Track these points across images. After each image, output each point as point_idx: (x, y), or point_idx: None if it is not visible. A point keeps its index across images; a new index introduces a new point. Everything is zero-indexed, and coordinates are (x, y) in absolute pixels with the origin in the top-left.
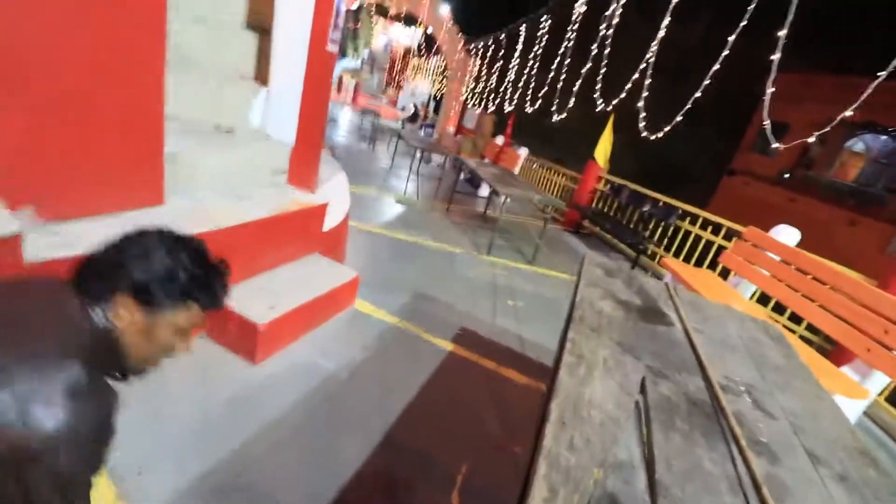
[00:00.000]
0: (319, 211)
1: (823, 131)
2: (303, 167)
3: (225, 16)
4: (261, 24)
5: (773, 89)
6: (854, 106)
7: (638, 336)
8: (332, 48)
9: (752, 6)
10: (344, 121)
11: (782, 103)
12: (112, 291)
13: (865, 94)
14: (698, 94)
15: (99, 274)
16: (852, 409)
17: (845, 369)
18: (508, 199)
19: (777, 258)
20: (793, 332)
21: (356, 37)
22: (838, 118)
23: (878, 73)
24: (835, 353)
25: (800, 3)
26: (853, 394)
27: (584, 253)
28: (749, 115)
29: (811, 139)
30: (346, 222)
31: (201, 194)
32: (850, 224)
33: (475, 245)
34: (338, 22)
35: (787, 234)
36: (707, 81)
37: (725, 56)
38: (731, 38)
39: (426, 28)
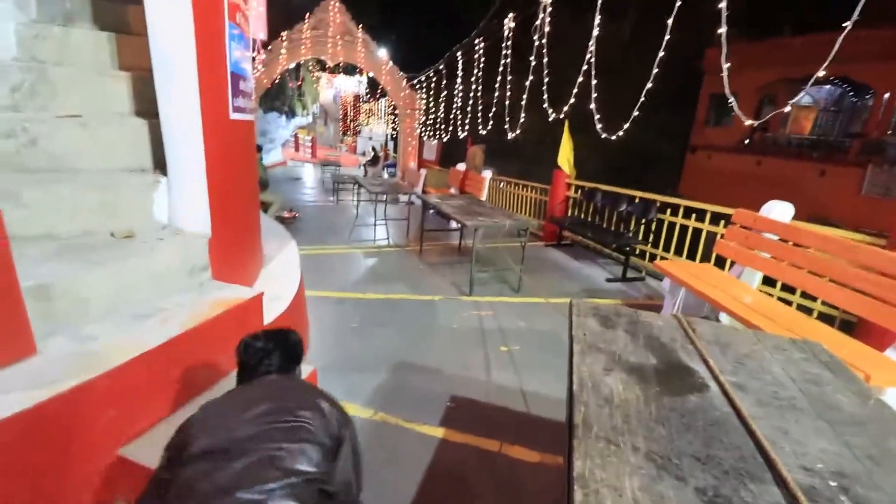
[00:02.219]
0: (253, 304)
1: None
2: (228, 257)
3: (104, 107)
4: (148, 107)
5: (728, 64)
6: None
7: (670, 429)
8: (241, 115)
9: None
10: (307, 177)
11: (729, 73)
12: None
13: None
14: (650, 85)
15: (291, 361)
16: None
17: (890, 352)
18: (479, 231)
19: (775, 238)
20: (810, 311)
21: (302, 94)
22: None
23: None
24: (861, 328)
25: None
26: None
27: (572, 269)
28: (695, 92)
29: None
30: (300, 301)
31: (91, 328)
32: (821, 175)
33: (455, 286)
34: (241, 87)
35: (780, 210)
36: (655, 69)
37: (662, 41)
38: (670, 22)
39: (368, 74)
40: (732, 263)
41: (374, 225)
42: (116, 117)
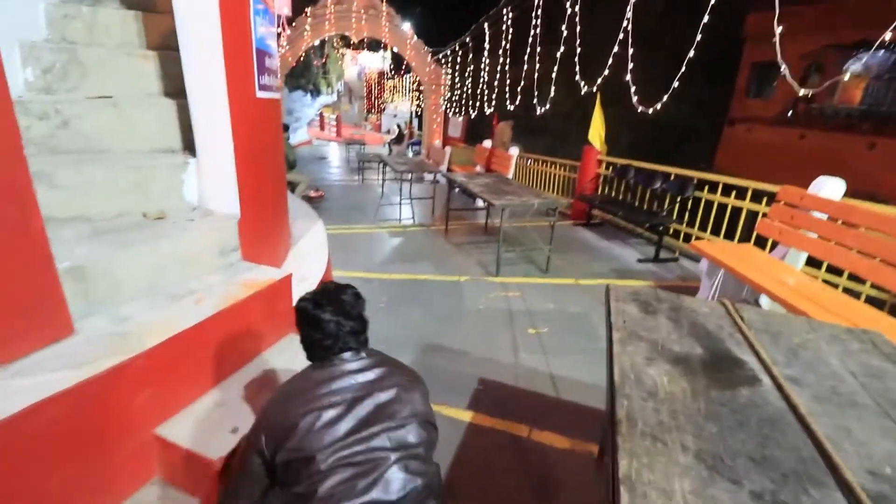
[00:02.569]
0: (282, 285)
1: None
2: (257, 238)
3: (133, 87)
4: (177, 87)
5: (780, 28)
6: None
7: (721, 426)
8: (268, 94)
9: None
10: (333, 156)
11: (769, 42)
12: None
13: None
14: (692, 54)
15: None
16: None
17: None
18: (506, 211)
19: (824, 217)
20: (858, 294)
21: (326, 71)
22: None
23: None
24: None
25: None
26: None
27: (602, 249)
28: (734, 61)
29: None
30: (328, 280)
31: (126, 308)
32: (870, 147)
33: (482, 266)
34: (267, 64)
35: (831, 187)
36: (698, 36)
37: (704, 7)
38: None
39: (392, 49)
40: (775, 244)
41: (400, 204)
42: (146, 98)
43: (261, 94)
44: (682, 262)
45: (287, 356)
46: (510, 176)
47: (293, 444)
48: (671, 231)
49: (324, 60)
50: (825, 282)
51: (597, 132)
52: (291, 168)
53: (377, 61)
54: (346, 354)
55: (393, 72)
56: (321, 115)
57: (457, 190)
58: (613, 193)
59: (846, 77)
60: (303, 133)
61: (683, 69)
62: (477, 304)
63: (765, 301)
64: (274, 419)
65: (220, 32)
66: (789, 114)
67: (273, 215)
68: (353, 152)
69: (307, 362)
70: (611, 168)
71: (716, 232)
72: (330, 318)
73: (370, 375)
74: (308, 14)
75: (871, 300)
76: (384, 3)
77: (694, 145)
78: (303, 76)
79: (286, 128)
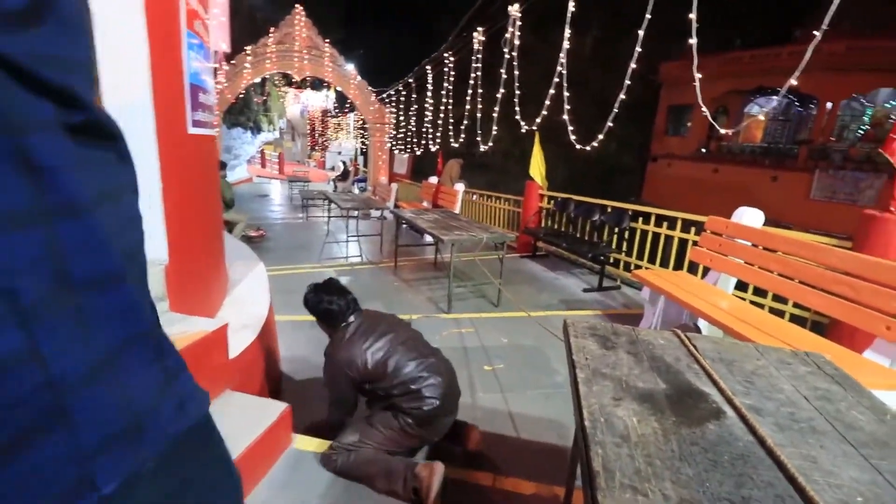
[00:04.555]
0: (217, 337)
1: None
2: (188, 286)
3: None
4: None
5: (699, 75)
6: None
7: (697, 468)
8: (202, 130)
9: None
10: (275, 193)
11: (682, 87)
12: None
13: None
14: (622, 97)
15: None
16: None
17: (869, 354)
18: (455, 245)
19: (748, 243)
20: (782, 314)
21: (267, 109)
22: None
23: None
24: (832, 330)
25: None
26: (892, 384)
27: (549, 280)
28: (654, 103)
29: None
30: (270, 328)
31: None
32: (773, 180)
33: (433, 303)
34: (201, 100)
35: (750, 217)
36: (628, 83)
37: (623, 54)
38: (641, 33)
39: (335, 88)
40: (707, 270)
41: (346, 241)
42: None
43: (193, 131)
44: (624, 290)
45: (226, 418)
46: (457, 211)
47: (372, 370)
48: (612, 260)
49: (264, 98)
50: (753, 303)
51: (537, 168)
52: (229, 207)
53: (320, 100)
54: (352, 316)
55: (337, 110)
56: (262, 153)
57: (405, 226)
58: (556, 226)
59: (745, 122)
60: (242, 171)
61: (610, 110)
62: (431, 342)
63: (703, 324)
64: (350, 361)
65: (148, 66)
66: (703, 150)
67: (206, 260)
68: (297, 190)
69: (240, 428)
70: (552, 202)
71: (652, 260)
72: (334, 301)
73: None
74: (248, 52)
75: (794, 318)
76: (327, 44)
77: (623, 180)
78: (242, 113)
79: (223, 165)
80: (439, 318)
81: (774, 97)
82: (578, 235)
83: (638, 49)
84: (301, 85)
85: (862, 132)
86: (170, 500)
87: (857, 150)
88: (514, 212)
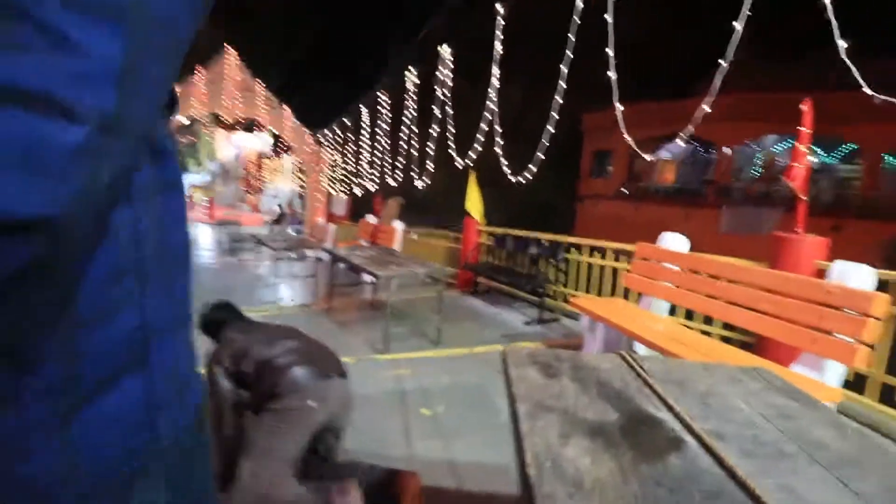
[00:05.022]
0: None
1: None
2: None
3: None
4: None
5: (620, 122)
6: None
7: None
8: None
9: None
10: (204, 238)
11: (603, 134)
12: None
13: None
14: (546, 143)
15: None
16: None
17: (797, 368)
18: (392, 282)
19: (676, 268)
20: (709, 333)
21: (195, 151)
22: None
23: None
24: (758, 347)
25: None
26: (826, 396)
27: (490, 315)
28: (578, 148)
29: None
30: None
31: None
32: (686, 218)
33: (369, 344)
34: None
35: (676, 242)
36: (551, 129)
37: (551, 104)
38: (562, 84)
39: (264, 129)
40: (640, 295)
41: (277, 284)
42: None
43: None
44: (563, 322)
45: None
46: (396, 248)
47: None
48: (551, 293)
49: (192, 139)
50: (684, 325)
51: (474, 205)
52: None
53: (255, 141)
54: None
55: (272, 152)
56: (190, 197)
57: (342, 266)
58: (496, 261)
59: (648, 159)
60: None
61: (538, 155)
62: (364, 388)
63: (640, 349)
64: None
65: None
66: (625, 191)
67: None
68: (225, 234)
69: None
70: (491, 237)
71: (588, 290)
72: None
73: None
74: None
75: (722, 339)
76: (261, 86)
77: (557, 220)
78: None
79: None
80: (375, 361)
81: (679, 142)
82: (517, 269)
83: (558, 98)
84: (232, 127)
85: (756, 173)
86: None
87: (753, 189)
88: (454, 248)
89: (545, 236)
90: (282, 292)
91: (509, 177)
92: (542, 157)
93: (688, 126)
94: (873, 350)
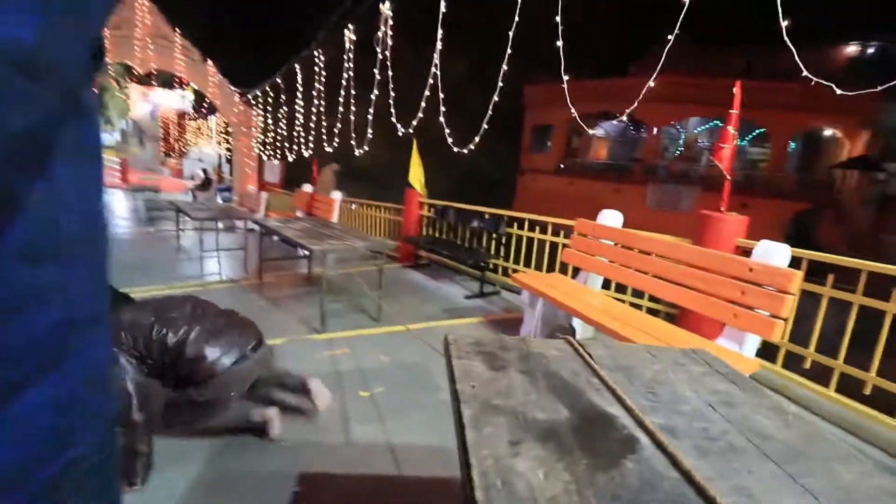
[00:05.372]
0: None
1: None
2: None
3: None
4: None
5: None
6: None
7: None
8: None
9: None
10: (118, 205)
11: (543, 109)
12: None
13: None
14: (490, 114)
15: None
16: None
17: (721, 341)
18: (329, 257)
19: (611, 243)
20: (639, 306)
21: (104, 107)
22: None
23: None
24: (681, 318)
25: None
26: (747, 367)
27: (431, 289)
28: (520, 121)
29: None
30: None
31: None
32: (617, 192)
33: (305, 323)
34: None
35: (612, 218)
36: (495, 98)
37: (495, 75)
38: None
39: (192, 87)
40: (577, 270)
41: (202, 258)
42: None
43: None
44: (504, 295)
45: None
46: (334, 220)
47: None
48: (492, 266)
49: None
50: (617, 299)
51: (416, 176)
52: None
53: (175, 100)
54: None
55: (195, 112)
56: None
57: (276, 238)
58: (437, 234)
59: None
60: None
61: (484, 126)
62: (301, 368)
63: (577, 323)
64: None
65: None
66: (562, 166)
67: None
68: (142, 200)
69: None
70: (432, 210)
71: (528, 264)
72: None
73: None
74: None
75: (650, 311)
76: (178, 34)
77: (497, 192)
78: None
79: None
80: (310, 341)
81: (614, 121)
82: (459, 242)
83: (505, 67)
84: (147, 81)
85: (678, 153)
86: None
87: (675, 167)
88: (395, 221)
89: (487, 210)
90: (208, 267)
91: (452, 148)
92: (486, 128)
93: (623, 105)
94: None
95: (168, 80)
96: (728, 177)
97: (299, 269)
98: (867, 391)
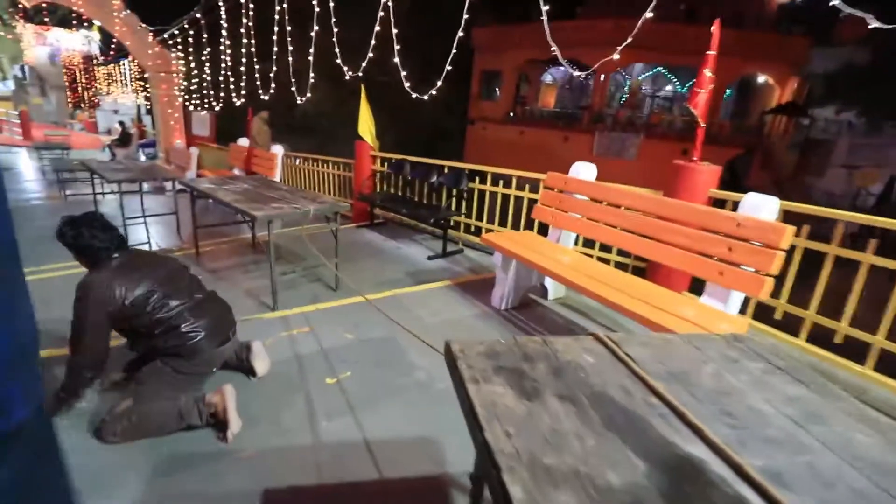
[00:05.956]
0: None
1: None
2: None
3: None
4: None
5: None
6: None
7: None
8: None
9: None
10: (22, 166)
11: (493, 54)
12: None
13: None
14: (449, 68)
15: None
16: None
17: (705, 300)
18: (273, 223)
19: (584, 198)
20: (607, 261)
21: None
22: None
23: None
24: (651, 272)
25: None
26: (735, 326)
27: (390, 250)
28: (469, 67)
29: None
30: None
31: None
32: (565, 140)
33: (254, 298)
34: None
35: (586, 170)
36: (454, 47)
37: (438, 18)
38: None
39: (97, 26)
40: (548, 227)
41: (124, 226)
42: None
43: None
44: (467, 253)
45: None
46: (277, 178)
47: (130, 306)
48: (452, 223)
49: None
50: (586, 254)
51: (366, 126)
52: None
53: (78, 42)
54: (117, 253)
55: (104, 56)
56: None
57: (210, 201)
58: (392, 190)
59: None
60: None
61: (435, 68)
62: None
63: (549, 283)
64: (109, 296)
65: None
66: (512, 115)
67: None
68: (48, 160)
69: None
70: (386, 164)
71: (491, 220)
72: (97, 236)
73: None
74: None
75: (618, 265)
76: None
77: (448, 143)
78: None
79: None
80: (262, 320)
81: (561, 67)
82: (417, 200)
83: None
84: (36, 18)
85: (623, 100)
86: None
87: (621, 114)
88: (346, 177)
89: (447, 163)
90: (134, 236)
91: (399, 96)
92: (438, 74)
93: (573, 49)
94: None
95: (66, 19)
96: (702, 124)
97: (242, 235)
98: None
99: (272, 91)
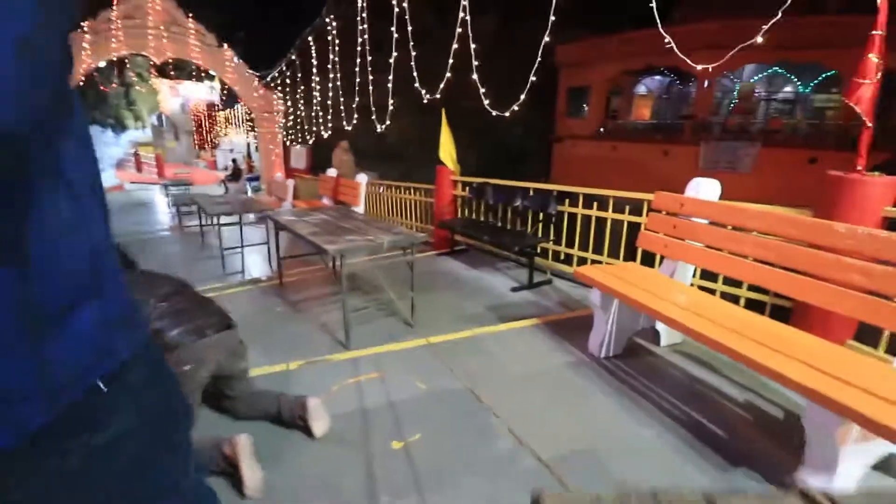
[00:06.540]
0: None
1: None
2: None
3: None
4: None
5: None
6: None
7: None
8: None
9: None
10: (156, 201)
11: (580, 69)
12: None
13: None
14: (533, 79)
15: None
16: None
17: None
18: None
19: (705, 221)
20: (735, 298)
21: (132, 102)
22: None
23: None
24: (796, 313)
25: None
26: None
27: (471, 281)
28: (553, 87)
29: None
30: None
31: None
32: (665, 154)
33: (328, 333)
34: None
35: (707, 188)
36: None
37: (521, 38)
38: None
39: (220, 77)
40: (661, 258)
41: (222, 256)
42: None
43: None
44: (556, 284)
45: None
46: (360, 207)
47: None
48: (540, 250)
49: (115, 85)
50: (702, 288)
51: (447, 151)
52: None
53: (204, 92)
54: None
55: (225, 102)
56: (136, 155)
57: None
58: (474, 216)
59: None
60: (110, 177)
61: (517, 89)
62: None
63: (661, 327)
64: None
65: None
66: (602, 130)
67: None
68: (172, 196)
69: None
70: (467, 189)
71: (584, 247)
72: None
73: None
74: (85, 29)
75: (752, 303)
76: (190, 19)
77: (532, 163)
78: (97, 108)
79: None
80: (331, 362)
81: (658, 76)
82: (500, 225)
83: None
84: (163, 72)
85: (733, 105)
86: (148, 387)
87: (731, 122)
88: (430, 203)
89: (532, 185)
90: (231, 264)
91: (479, 118)
92: (522, 94)
93: (672, 57)
94: None
95: (189, 71)
96: (869, 123)
97: (324, 265)
98: None
99: (355, 121)
